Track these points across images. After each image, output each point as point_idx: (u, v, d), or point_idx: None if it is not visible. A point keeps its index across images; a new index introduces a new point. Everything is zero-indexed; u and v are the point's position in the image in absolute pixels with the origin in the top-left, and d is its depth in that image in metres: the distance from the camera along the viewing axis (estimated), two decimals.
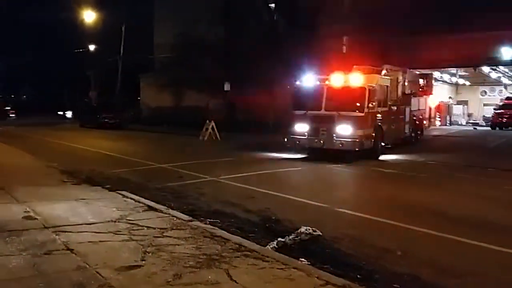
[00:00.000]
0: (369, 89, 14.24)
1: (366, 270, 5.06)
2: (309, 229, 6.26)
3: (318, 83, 14.94)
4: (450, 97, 37.78)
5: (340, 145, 13.84)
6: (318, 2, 25.29)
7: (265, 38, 26.33)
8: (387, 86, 15.94)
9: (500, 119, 29.80)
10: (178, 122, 30.67)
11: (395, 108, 16.81)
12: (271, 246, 5.66)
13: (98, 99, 44.53)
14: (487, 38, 23.08)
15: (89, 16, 36.00)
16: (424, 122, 22.36)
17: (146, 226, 6.04)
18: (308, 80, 15.22)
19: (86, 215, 6.58)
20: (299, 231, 6.23)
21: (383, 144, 15.39)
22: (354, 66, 15.55)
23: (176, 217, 6.60)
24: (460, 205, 8.53)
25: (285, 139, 15.31)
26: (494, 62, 24.96)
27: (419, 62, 22.25)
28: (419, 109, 20.69)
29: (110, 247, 5.19)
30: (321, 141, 14.19)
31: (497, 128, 29.55)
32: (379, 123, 15.03)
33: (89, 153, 17.23)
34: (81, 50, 44.47)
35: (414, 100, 19.60)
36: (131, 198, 7.85)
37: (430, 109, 25.92)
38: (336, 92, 14.37)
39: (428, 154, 16.59)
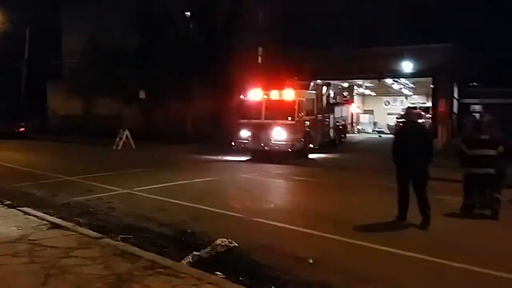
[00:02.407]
0: (298, 102, 17.18)
1: (280, 280, 5.13)
2: (225, 241, 6.23)
3: (258, 97, 17.45)
4: (358, 107, 40.03)
5: (277, 147, 16.70)
6: (234, 14, 25.70)
7: (181, 47, 26.12)
8: (313, 98, 18.98)
9: None
10: (90, 131, 29.23)
11: (320, 116, 19.90)
12: (186, 261, 5.54)
13: None
14: (390, 53, 24.94)
15: None
16: (347, 127, 26.04)
17: (50, 246, 5.63)
18: (250, 94, 17.76)
19: None
20: (215, 243, 6.18)
21: (311, 146, 18.20)
22: (287, 82, 17.89)
23: (84, 235, 6.23)
24: (370, 211, 8.93)
25: (232, 143, 17.78)
26: (396, 75, 26.97)
27: (329, 74, 23.45)
28: (342, 116, 24.12)
29: (8, 271, 4.77)
30: (261, 144, 16.95)
31: None
32: (308, 129, 17.91)
33: None
34: None
35: (337, 109, 23.09)
36: (34, 215, 7.27)
37: (352, 115, 29.08)
38: (273, 104, 17.14)
39: (343, 157, 18.97)
